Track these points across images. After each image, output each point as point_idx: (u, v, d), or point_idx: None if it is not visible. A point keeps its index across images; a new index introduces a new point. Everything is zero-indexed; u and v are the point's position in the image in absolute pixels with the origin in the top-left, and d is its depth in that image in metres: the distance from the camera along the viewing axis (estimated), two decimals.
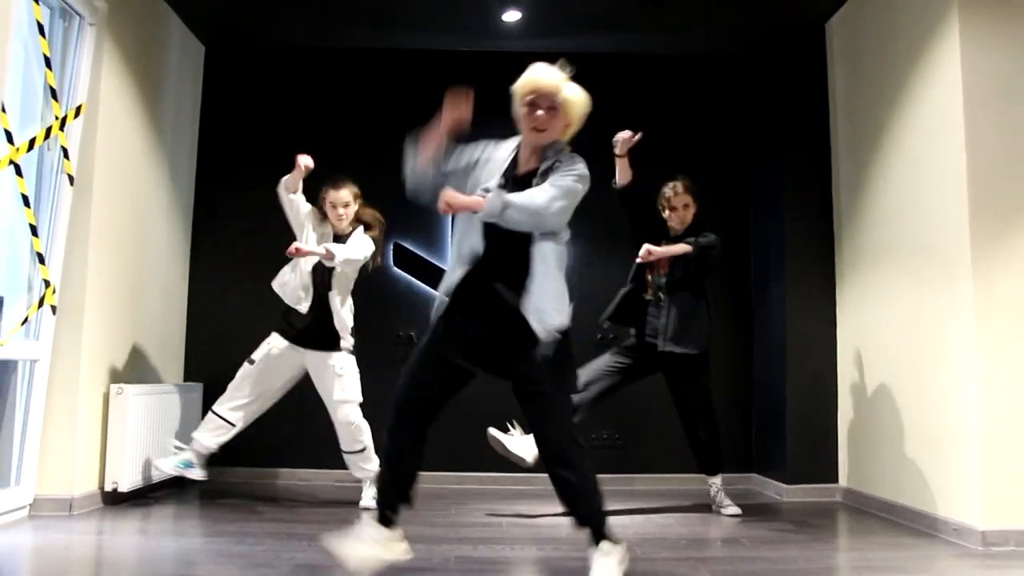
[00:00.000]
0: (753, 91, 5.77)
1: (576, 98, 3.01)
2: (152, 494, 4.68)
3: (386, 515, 2.98)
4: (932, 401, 4.04)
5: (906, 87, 4.32)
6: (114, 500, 4.38)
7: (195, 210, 5.68)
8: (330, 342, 4.46)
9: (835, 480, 5.00)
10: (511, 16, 5.06)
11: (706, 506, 4.62)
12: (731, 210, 5.76)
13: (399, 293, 5.56)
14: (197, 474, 4.46)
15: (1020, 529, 3.58)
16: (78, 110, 4.22)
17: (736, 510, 4.45)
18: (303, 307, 4.42)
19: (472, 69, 5.68)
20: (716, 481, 4.59)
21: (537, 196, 2.81)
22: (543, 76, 2.96)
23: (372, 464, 4.49)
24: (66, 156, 4.15)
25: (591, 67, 5.78)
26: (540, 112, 2.92)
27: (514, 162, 3.01)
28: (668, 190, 4.59)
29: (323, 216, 4.53)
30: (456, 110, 2.89)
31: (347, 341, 4.50)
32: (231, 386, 4.51)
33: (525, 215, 2.78)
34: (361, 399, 4.49)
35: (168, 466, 4.44)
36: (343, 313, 4.48)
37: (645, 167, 5.70)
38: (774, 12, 5.16)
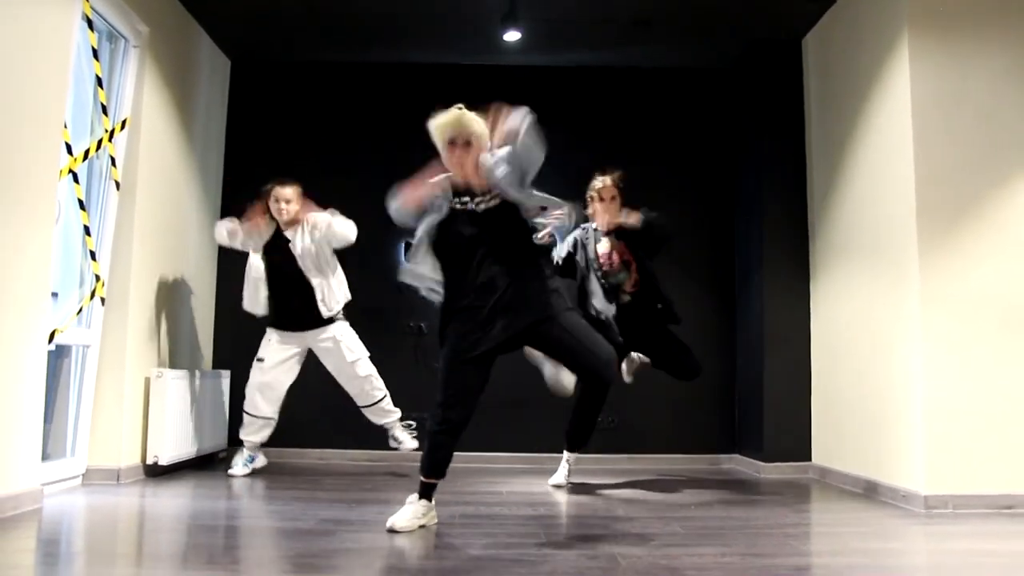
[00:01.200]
0: (737, 102, 6.25)
1: (481, 131, 3.49)
2: (187, 468, 5.18)
3: (430, 491, 3.55)
4: (884, 383, 4.51)
5: (866, 98, 4.80)
6: (155, 472, 4.88)
7: (222, 211, 6.17)
8: (319, 319, 5.00)
9: (808, 458, 5.48)
10: (511, 36, 5.55)
11: (692, 481, 5.11)
12: (716, 211, 6.25)
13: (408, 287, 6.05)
14: (261, 462, 5.18)
15: (958, 494, 4.04)
16: (123, 123, 4.73)
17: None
18: (259, 310, 5.08)
19: (476, 82, 6.19)
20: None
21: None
22: (450, 118, 3.52)
23: (394, 410, 5.09)
24: (113, 164, 4.66)
25: (585, 80, 6.37)
26: (459, 152, 3.49)
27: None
28: (596, 181, 4.86)
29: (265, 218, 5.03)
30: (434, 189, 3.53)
31: (333, 311, 5.01)
32: (251, 386, 5.08)
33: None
34: (368, 352, 5.04)
35: (238, 471, 5.03)
36: (327, 290, 4.99)
37: (637, 172, 6.22)
38: (755, 30, 5.64)
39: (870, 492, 4.56)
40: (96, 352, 4.61)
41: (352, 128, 6.24)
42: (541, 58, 6.19)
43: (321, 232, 4.91)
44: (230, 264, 6.10)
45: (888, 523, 3.84)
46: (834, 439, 5.18)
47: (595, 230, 4.89)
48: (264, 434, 5.11)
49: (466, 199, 3.50)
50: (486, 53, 6.10)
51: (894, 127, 4.48)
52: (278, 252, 4.98)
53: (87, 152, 4.42)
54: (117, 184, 4.70)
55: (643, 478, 5.24)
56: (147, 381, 4.92)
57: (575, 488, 4.83)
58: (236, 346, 5.98)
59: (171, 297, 5.32)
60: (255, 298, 5.12)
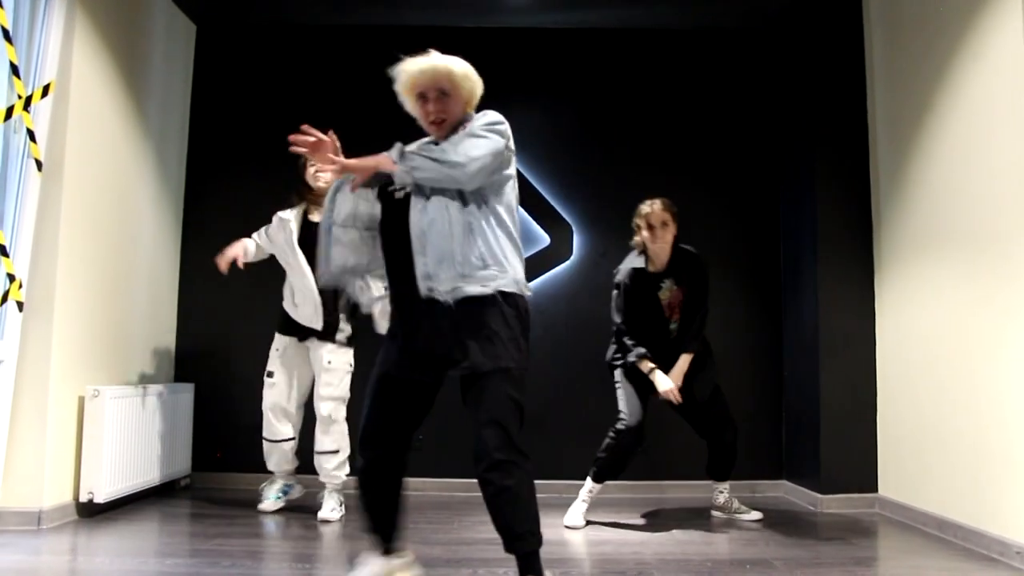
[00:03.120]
0: (780, 66, 5.35)
1: (463, 71, 2.71)
2: (133, 503, 4.35)
3: (383, 542, 2.76)
4: (986, 407, 3.62)
5: (955, 59, 3.89)
6: (90, 512, 4.06)
7: (186, 199, 5.34)
8: (326, 332, 4.19)
9: (874, 489, 4.59)
10: None
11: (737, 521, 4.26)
12: (758, 197, 5.36)
13: None
14: (297, 492, 4.50)
15: None
16: (46, 89, 3.87)
17: None
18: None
19: (478, 46, 5.31)
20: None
21: (446, 147, 2.57)
22: (422, 65, 2.69)
23: (343, 471, 4.21)
24: (32, 139, 3.81)
25: (602, 44, 5.45)
26: (431, 104, 2.70)
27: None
28: (645, 206, 4.25)
29: (299, 195, 4.27)
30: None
31: (343, 332, 4.22)
32: (266, 407, 4.28)
33: (433, 169, 2.53)
34: (347, 396, 4.20)
35: (268, 505, 4.33)
36: (339, 304, 4.21)
37: (664, 153, 5.35)
38: None
39: (964, 540, 3.68)
40: (12, 367, 3.77)
41: (338, 99, 5.36)
42: (552, 18, 5.30)
43: None
44: (196, 261, 5.27)
45: None
46: (911, 470, 4.29)
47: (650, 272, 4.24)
48: (290, 461, 4.36)
49: None
50: (489, 14, 5.23)
51: (996, 96, 3.57)
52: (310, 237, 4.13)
53: None
54: (39, 163, 3.85)
55: (675, 514, 4.40)
56: (81, 401, 4.08)
57: (595, 531, 3.98)
58: (203, 354, 5.17)
59: (116, 301, 4.49)
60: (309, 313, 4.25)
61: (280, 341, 4.31)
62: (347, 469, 4.23)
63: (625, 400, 4.16)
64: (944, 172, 4.00)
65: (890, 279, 4.55)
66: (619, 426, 4.10)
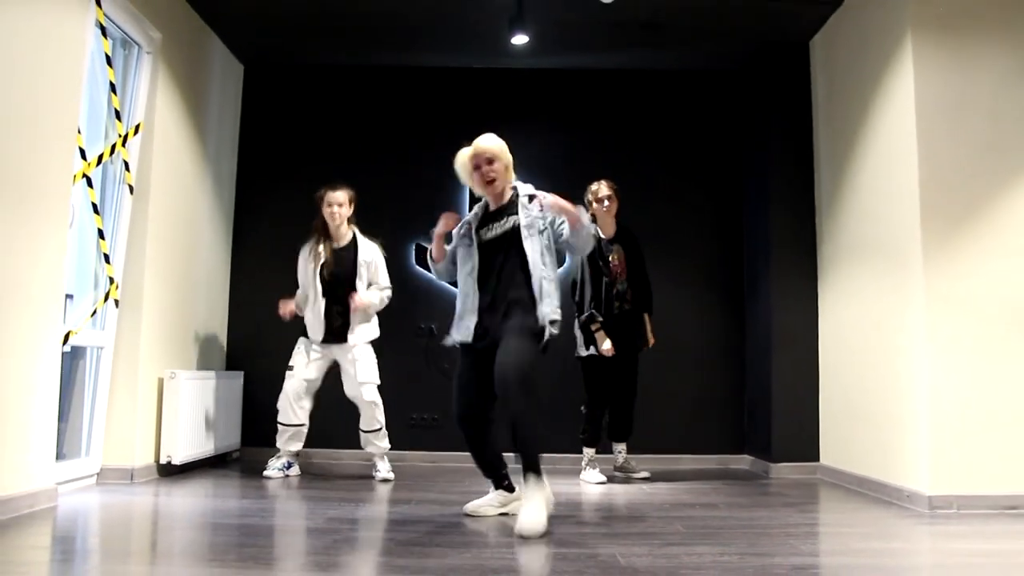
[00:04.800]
0: (745, 104, 6.28)
1: (501, 146, 3.75)
2: (200, 468, 5.26)
3: (499, 481, 3.86)
4: (890, 383, 4.53)
5: (872, 101, 4.81)
6: (168, 472, 4.96)
7: (236, 213, 6.27)
8: (337, 336, 5.10)
9: (816, 459, 5.49)
10: (519, 40, 5.59)
11: (699, 481, 5.15)
12: (725, 213, 6.28)
13: (420, 289, 6.11)
14: (295, 471, 5.21)
15: (962, 494, 4.06)
16: (137, 128, 4.81)
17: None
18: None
19: (486, 85, 6.25)
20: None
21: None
22: (472, 148, 3.76)
23: (385, 442, 5.14)
24: (127, 168, 4.74)
25: (593, 83, 6.40)
26: (483, 167, 3.72)
27: (485, 209, 3.84)
28: (594, 185, 5.26)
29: (316, 237, 5.17)
30: (447, 226, 3.78)
31: (354, 335, 5.09)
32: (283, 397, 5.15)
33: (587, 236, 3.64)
34: (379, 380, 5.08)
35: (273, 472, 5.12)
36: (360, 314, 5.11)
37: (645, 174, 6.27)
38: (763, 32, 5.67)
39: (876, 492, 4.57)
40: (110, 353, 4.69)
41: (364, 130, 6.31)
42: (550, 61, 6.23)
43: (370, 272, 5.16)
44: (243, 266, 6.20)
45: (891, 523, 3.86)
46: (842, 439, 5.19)
47: (602, 238, 5.15)
48: (298, 443, 5.20)
49: (490, 225, 3.76)
50: (495, 56, 6.15)
51: (898, 129, 4.49)
52: (335, 262, 5.11)
53: (100, 157, 4.50)
54: (131, 188, 4.78)
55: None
56: (160, 382, 5.00)
57: (578, 488, 4.88)
58: (249, 347, 6.08)
59: (184, 299, 5.41)
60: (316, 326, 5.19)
61: (302, 343, 5.20)
62: (387, 440, 5.16)
63: (589, 385, 5.19)
64: (865, 194, 4.91)
65: (831, 283, 5.45)
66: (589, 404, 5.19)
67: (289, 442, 5.17)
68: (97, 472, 4.62)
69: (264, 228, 6.25)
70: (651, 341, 5.30)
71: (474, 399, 3.68)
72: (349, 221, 5.16)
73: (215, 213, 5.93)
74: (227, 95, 6.12)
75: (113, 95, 4.61)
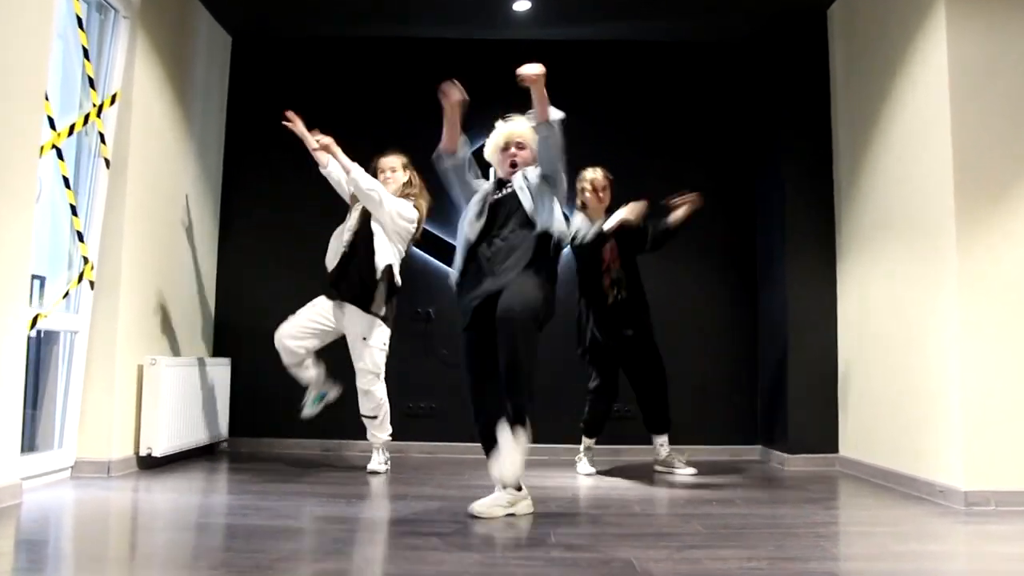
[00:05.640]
0: (758, 75, 5.95)
1: (530, 132, 3.72)
2: (183, 460, 4.96)
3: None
4: (919, 370, 4.23)
5: (898, 70, 4.50)
6: (148, 464, 4.67)
7: (223, 191, 5.95)
8: (364, 300, 4.68)
9: (835, 450, 5.20)
10: (521, 6, 5.27)
11: (712, 474, 4.86)
12: (736, 191, 5.96)
13: (417, 271, 5.80)
14: (334, 391, 4.96)
15: (1000, 490, 3.77)
16: (113, 98, 4.49)
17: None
18: (333, 263, 4.76)
19: (484, 56, 5.92)
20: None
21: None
22: (510, 131, 3.78)
23: (384, 432, 4.79)
24: (103, 141, 4.43)
25: (598, 54, 6.07)
26: (512, 149, 3.76)
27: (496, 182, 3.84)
28: (588, 172, 4.94)
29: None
30: (451, 97, 3.65)
31: (378, 307, 4.70)
32: (278, 335, 4.76)
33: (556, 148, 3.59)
34: (382, 371, 4.74)
35: (311, 411, 4.90)
36: (379, 273, 4.68)
37: (652, 151, 5.96)
38: (777, 0, 5.33)
39: (904, 487, 4.28)
40: (85, 338, 4.39)
41: (358, 105, 5.99)
42: (552, 31, 5.90)
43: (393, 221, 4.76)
44: (232, 247, 5.90)
45: (927, 522, 3.57)
46: (863, 430, 4.90)
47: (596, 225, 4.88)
48: (315, 367, 4.86)
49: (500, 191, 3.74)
50: (494, 27, 5.83)
51: (929, 99, 4.18)
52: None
53: (72, 127, 4.19)
54: (107, 162, 4.47)
55: (661, 470, 4.99)
56: (140, 369, 4.70)
57: (587, 482, 4.59)
58: (238, 332, 5.78)
59: (167, 281, 5.10)
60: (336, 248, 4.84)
61: (320, 299, 4.80)
62: (388, 430, 4.83)
63: (596, 372, 4.90)
64: (891, 169, 4.60)
65: (850, 264, 5.15)
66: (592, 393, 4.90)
67: (302, 371, 4.84)
68: (71, 465, 4.32)
69: (254, 208, 5.93)
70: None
71: (487, 389, 3.55)
72: (408, 186, 4.89)
73: (201, 191, 5.61)
74: (213, 67, 5.79)
75: (87, 62, 4.28)
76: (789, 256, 5.35)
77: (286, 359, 4.78)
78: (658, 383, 4.92)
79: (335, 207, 4.96)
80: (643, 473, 4.89)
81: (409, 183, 4.90)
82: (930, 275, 4.14)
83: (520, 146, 3.75)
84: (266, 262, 5.83)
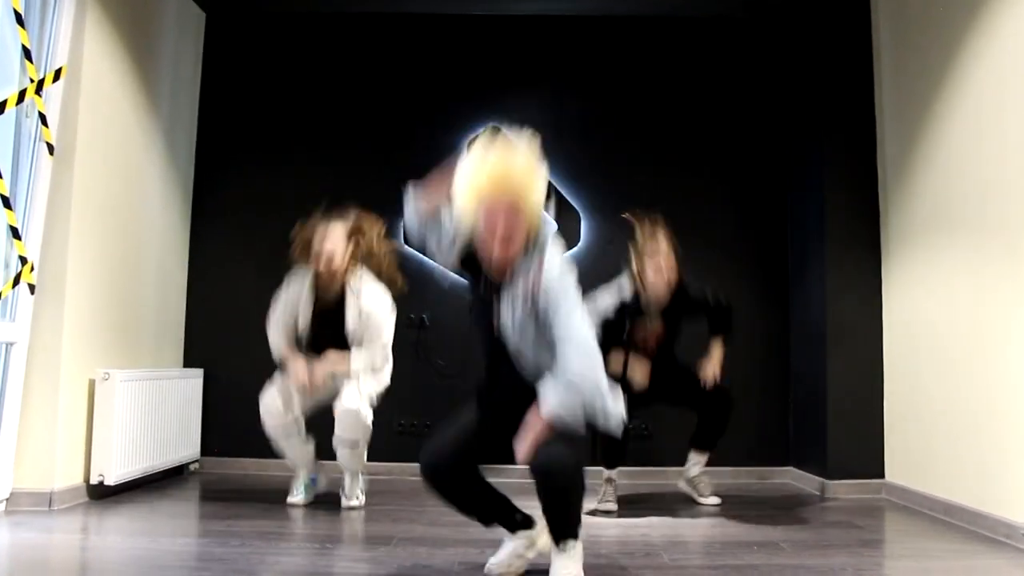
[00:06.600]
0: (786, 55, 5.35)
1: (527, 182, 2.65)
2: (143, 487, 4.38)
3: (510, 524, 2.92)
4: (987, 389, 3.63)
5: (963, 43, 3.89)
6: (100, 494, 4.09)
7: (196, 185, 5.36)
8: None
9: (880, 475, 4.60)
10: None
11: (744, 506, 4.27)
12: (765, 186, 5.36)
13: (409, 273, 5.19)
14: (322, 484, 4.26)
15: None
16: (57, 73, 3.89)
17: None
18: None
19: (484, 33, 5.32)
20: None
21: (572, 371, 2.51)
22: (505, 179, 2.60)
23: (365, 456, 4.12)
24: (44, 123, 3.84)
25: (609, 32, 5.45)
26: (501, 230, 2.56)
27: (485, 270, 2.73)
28: (651, 242, 4.03)
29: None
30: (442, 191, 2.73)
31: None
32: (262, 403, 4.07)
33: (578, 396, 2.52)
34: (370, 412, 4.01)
35: (297, 500, 4.15)
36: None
37: (671, 139, 5.36)
38: None
39: (967, 522, 3.69)
40: (24, 350, 3.80)
41: (344, 88, 5.40)
42: (559, 6, 5.30)
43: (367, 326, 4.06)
44: (205, 248, 5.31)
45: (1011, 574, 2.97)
46: (916, 454, 4.30)
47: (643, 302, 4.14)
48: (303, 449, 4.12)
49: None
50: (495, 2, 5.23)
51: (1004, 79, 3.57)
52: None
53: (3, 104, 3.59)
54: (50, 147, 3.88)
55: (684, 499, 4.40)
56: (91, 384, 4.11)
57: (604, 515, 4.01)
58: (211, 341, 5.20)
59: (126, 284, 4.51)
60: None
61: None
62: (364, 456, 4.13)
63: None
64: (952, 158, 4.00)
65: (897, 266, 4.55)
66: None
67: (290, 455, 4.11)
68: (6, 498, 3.73)
69: (230, 204, 5.33)
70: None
71: (461, 451, 2.80)
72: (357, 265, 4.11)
73: (168, 184, 5.02)
74: (184, 47, 5.19)
75: (20, 28, 3.69)
76: (828, 259, 4.74)
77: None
78: (723, 408, 4.35)
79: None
80: (662, 504, 4.29)
81: (354, 257, 4.02)
82: (1006, 282, 3.53)
83: (511, 212, 2.56)
84: (244, 263, 5.23)
